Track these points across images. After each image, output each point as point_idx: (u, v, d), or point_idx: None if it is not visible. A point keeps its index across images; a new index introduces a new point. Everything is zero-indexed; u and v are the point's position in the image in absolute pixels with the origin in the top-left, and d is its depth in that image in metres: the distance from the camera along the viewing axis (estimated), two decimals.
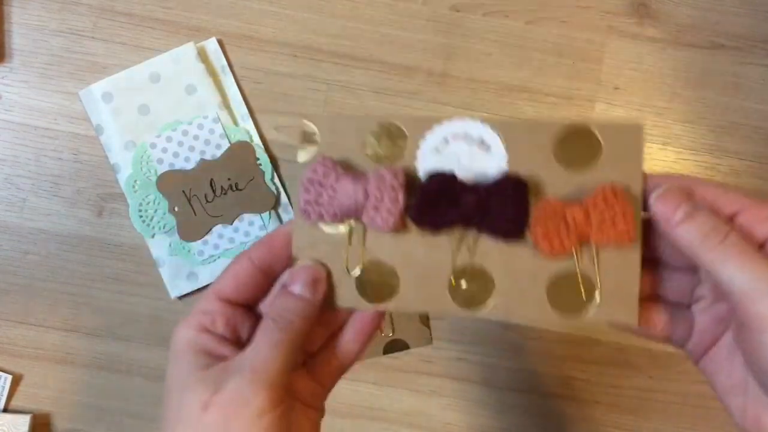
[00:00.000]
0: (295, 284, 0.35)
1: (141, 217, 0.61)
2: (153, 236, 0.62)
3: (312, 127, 0.38)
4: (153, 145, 0.61)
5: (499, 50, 0.64)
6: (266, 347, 0.32)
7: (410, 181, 0.36)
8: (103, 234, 0.63)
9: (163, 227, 0.61)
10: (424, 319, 0.63)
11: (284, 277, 0.37)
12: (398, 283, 0.36)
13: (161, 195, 0.61)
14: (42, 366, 0.63)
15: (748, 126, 0.64)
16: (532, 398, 0.63)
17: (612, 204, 0.33)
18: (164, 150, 0.61)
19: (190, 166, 0.61)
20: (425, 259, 0.36)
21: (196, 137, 0.62)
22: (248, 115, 0.63)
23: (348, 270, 0.36)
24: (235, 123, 0.63)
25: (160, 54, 0.62)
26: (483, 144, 0.36)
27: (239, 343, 0.35)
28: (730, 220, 0.31)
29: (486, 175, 0.36)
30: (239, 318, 0.35)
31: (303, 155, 0.38)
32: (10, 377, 0.62)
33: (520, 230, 0.34)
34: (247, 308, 0.37)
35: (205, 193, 0.61)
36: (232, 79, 0.63)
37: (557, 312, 0.35)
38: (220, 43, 0.64)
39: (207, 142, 0.61)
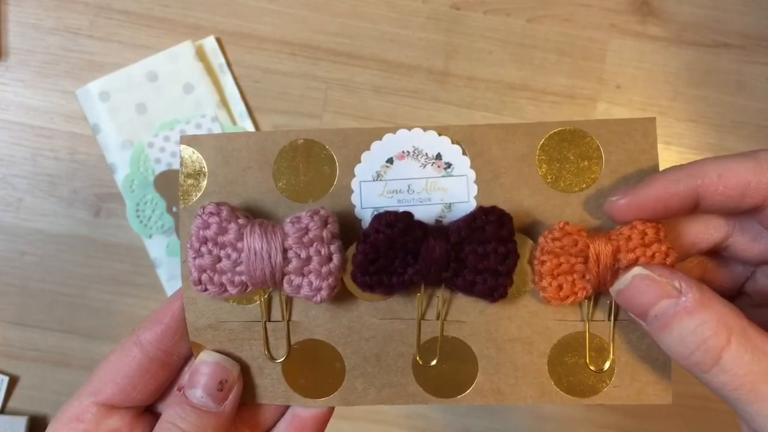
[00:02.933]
0: (195, 389, 0.26)
1: (138, 217, 0.61)
2: (150, 237, 0.61)
3: (193, 154, 0.27)
4: (150, 145, 0.61)
5: (500, 48, 0.64)
6: None
7: (348, 227, 0.27)
8: (100, 234, 0.62)
9: (161, 227, 0.61)
10: None
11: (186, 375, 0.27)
12: (343, 367, 0.27)
13: (159, 195, 0.61)
14: (39, 368, 0.62)
15: (751, 125, 0.63)
16: None
17: (652, 245, 0.25)
18: (162, 149, 0.61)
19: None
20: (378, 333, 0.27)
21: None
22: (247, 113, 0.63)
23: (270, 355, 0.27)
24: (234, 122, 0.62)
25: (157, 52, 0.62)
26: (441, 162, 0.27)
27: None
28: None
29: (451, 208, 0.27)
30: (127, 427, 0.27)
31: (186, 198, 0.27)
32: (6, 379, 0.61)
33: (508, 285, 0.25)
34: (143, 410, 0.28)
35: None
36: (231, 78, 0.63)
37: (563, 390, 0.27)
38: (219, 41, 0.63)
39: None
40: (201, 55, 0.62)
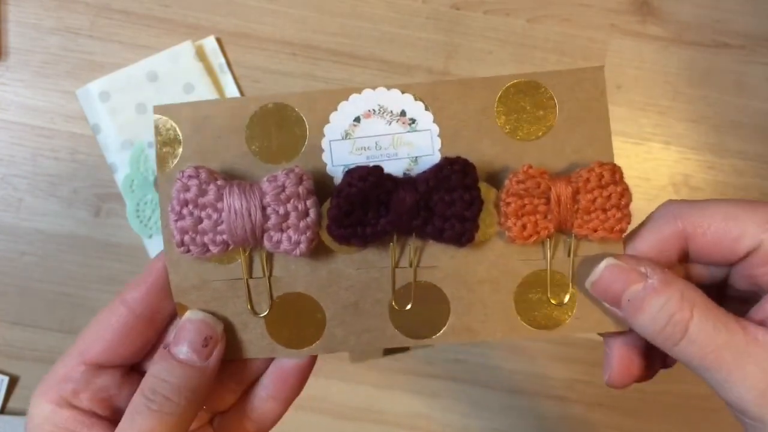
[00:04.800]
0: (180, 345, 0.27)
1: (138, 217, 0.61)
2: (150, 237, 0.61)
3: (168, 122, 0.28)
4: (150, 145, 0.61)
5: (500, 48, 0.64)
6: None
7: (320, 184, 0.28)
8: (100, 234, 0.62)
9: (161, 227, 0.61)
10: None
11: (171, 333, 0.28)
12: (323, 317, 0.28)
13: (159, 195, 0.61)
14: (38, 368, 0.62)
15: (751, 125, 0.63)
16: (534, 400, 0.63)
17: (608, 186, 0.26)
18: None
19: None
20: (355, 283, 0.28)
21: None
22: None
23: (253, 310, 0.28)
24: None
25: (157, 52, 0.62)
26: (406, 118, 0.28)
27: (115, 419, 0.26)
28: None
29: (417, 161, 0.28)
30: (115, 385, 0.28)
31: (162, 166, 0.28)
32: (6, 379, 0.61)
33: (475, 230, 0.27)
34: (130, 369, 0.29)
35: None
36: (231, 78, 0.63)
37: (529, 324, 0.29)
38: (219, 41, 0.63)
39: None
40: (201, 55, 0.62)
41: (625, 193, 0.27)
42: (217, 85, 0.62)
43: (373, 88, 0.28)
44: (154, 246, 0.61)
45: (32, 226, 0.62)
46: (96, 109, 0.61)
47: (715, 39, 0.64)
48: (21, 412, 0.61)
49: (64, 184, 0.62)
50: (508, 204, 0.27)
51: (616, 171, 0.27)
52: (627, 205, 0.27)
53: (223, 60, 0.63)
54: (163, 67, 0.61)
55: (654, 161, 0.63)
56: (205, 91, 0.61)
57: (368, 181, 0.26)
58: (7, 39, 0.63)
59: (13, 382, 0.62)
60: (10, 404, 0.62)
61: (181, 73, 0.61)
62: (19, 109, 0.63)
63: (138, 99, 0.61)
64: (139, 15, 0.63)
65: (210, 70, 0.62)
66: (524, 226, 0.27)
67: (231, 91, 0.63)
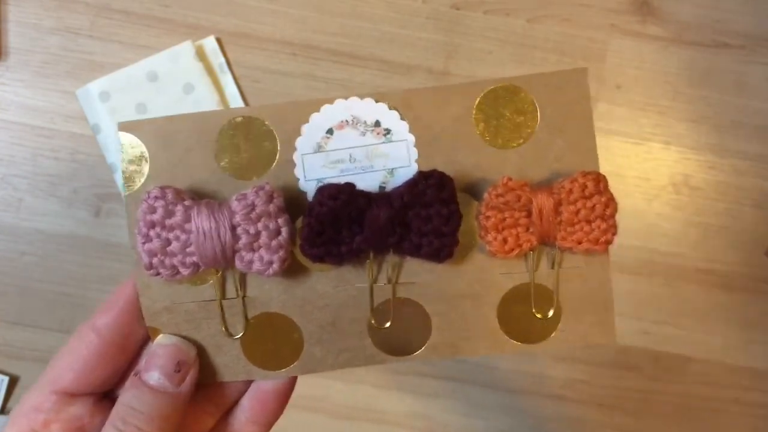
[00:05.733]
0: (151, 371, 0.26)
1: None
2: None
3: (133, 140, 0.27)
4: None
5: (500, 48, 0.64)
6: None
7: (293, 200, 0.27)
8: (101, 234, 0.62)
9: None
10: None
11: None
12: (300, 337, 0.27)
13: None
14: (39, 368, 0.61)
15: (751, 125, 0.63)
16: (533, 400, 0.63)
17: (592, 197, 0.25)
18: None
19: None
20: (332, 301, 0.27)
21: None
22: None
23: (228, 332, 0.27)
24: None
25: (157, 52, 0.62)
26: (380, 128, 0.27)
27: None
28: None
29: (394, 173, 0.27)
30: (88, 414, 0.26)
31: (130, 185, 0.27)
32: (6, 379, 0.61)
33: (454, 245, 0.26)
34: (103, 396, 0.28)
35: None
36: (231, 78, 0.63)
37: (513, 338, 0.28)
38: (219, 41, 0.63)
39: None
40: (201, 55, 0.62)
41: (610, 203, 0.26)
42: (217, 85, 0.62)
43: (346, 98, 0.27)
44: None
45: (32, 226, 0.62)
46: (96, 109, 0.61)
47: (715, 39, 0.64)
48: None
49: (64, 184, 0.62)
50: (488, 218, 0.26)
51: (600, 180, 0.25)
52: (612, 215, 0.26)
53: (223, 60, 0.63)
54: (163, 67, 0.61)
55: (654, 161, 0.63)
56: (205, 91, 0.61)
57: (339, 199, 0.25)
58: (7, 39, 0.63)
59: (13, 382, 0.62)
60: (10, 404, 0.62)
61: (181, 73, 0.61)
62: (19, 109, 0.63)
63: (138, 99, 0.61)
64: (139, 15, 0.63)
65: (210, 70, 0.62)
66: (505, 240, 0.26)
67: (231, 91, 0.63)
